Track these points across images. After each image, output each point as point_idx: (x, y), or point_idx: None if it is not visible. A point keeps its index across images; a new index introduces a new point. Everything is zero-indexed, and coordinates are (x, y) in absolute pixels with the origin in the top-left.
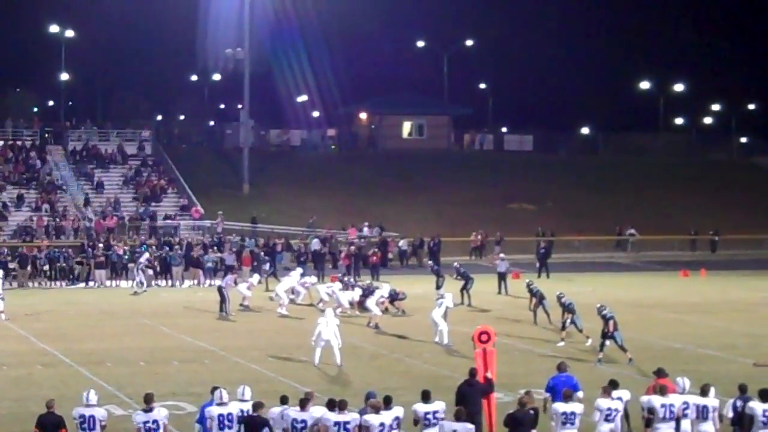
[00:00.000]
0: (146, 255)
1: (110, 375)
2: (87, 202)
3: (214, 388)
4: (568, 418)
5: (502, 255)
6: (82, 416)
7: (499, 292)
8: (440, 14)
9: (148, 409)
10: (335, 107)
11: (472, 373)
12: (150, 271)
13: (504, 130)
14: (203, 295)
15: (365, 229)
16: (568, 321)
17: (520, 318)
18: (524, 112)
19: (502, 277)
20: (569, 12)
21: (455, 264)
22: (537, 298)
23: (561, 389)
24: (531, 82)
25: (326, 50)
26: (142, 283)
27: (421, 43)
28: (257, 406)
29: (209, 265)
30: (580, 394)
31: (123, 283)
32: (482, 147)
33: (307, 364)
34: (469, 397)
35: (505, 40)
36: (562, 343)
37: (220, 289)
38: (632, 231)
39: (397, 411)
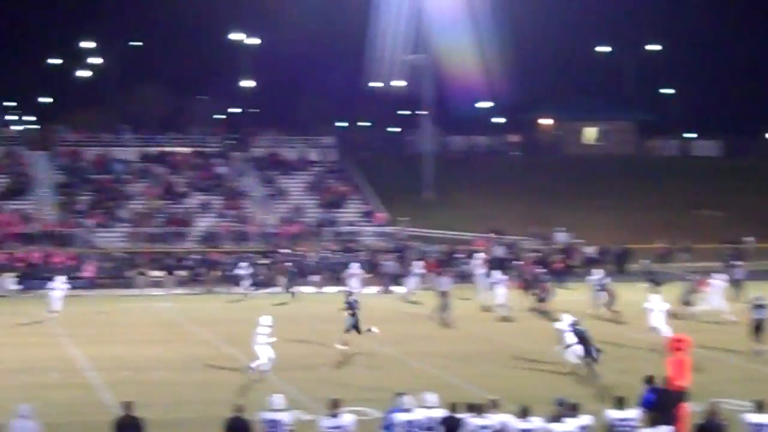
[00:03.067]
0: (244, 263)
1: (296, 379)
2: (270, 208)
3: (399, 395)
4: (622, 426)
5: (740, 262)
6: (269, 420)
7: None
8: (624, 19)
9: (335, 415)
10: (518, 113)
11: (666, 381)
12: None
13: (690, 135)
14: (385, 301)
15: (560, 235)
16: None
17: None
18: (711, 117)
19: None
20: (758, 14)
21: (645, 261)
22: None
23: None
24: (718, 86)
25: (508, 56)
26: (248, 290)
27: (604, 48)
28: (453, 407)
29: (390, 271)
30: None
31: (304, 288)
32: (667, 153)
33: (491, 370)
34: (663, 406)
35: (691, 43)
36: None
37: (443, 293)
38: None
39: (584, 419)
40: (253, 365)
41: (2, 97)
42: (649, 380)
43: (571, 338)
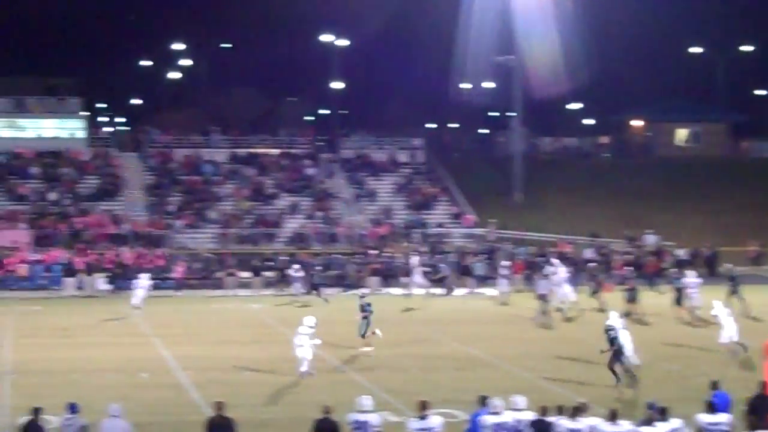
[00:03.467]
0: (297, 266)
1: (384, 381)
2: (359, 210)
3: (483, 398)
4: (713, 430)
5: None
6: (357, 422)
7: None
8: (716, 19)
9: (423, 417)
10: (608, 114)
11: (763, 386)
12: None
13: None
14: (475, 303)
15: (650, 237)
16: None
17: None
18: None
19: None
20: None
21: (728, 265)
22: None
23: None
24: None
25: (599, 57)
26: (298, 294)
27: (696, 49)
28: (543, 411)
29: (479, 273)
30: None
31: (394, 290)
32: (760, 154)
33: (580, 372)
34: (760, 411)
35: None
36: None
37: (542, 296)
38: None
39: (674, 423)
40: (303, 369)
41: (94, 98)
42: (714, 385)
43: (624, 336)
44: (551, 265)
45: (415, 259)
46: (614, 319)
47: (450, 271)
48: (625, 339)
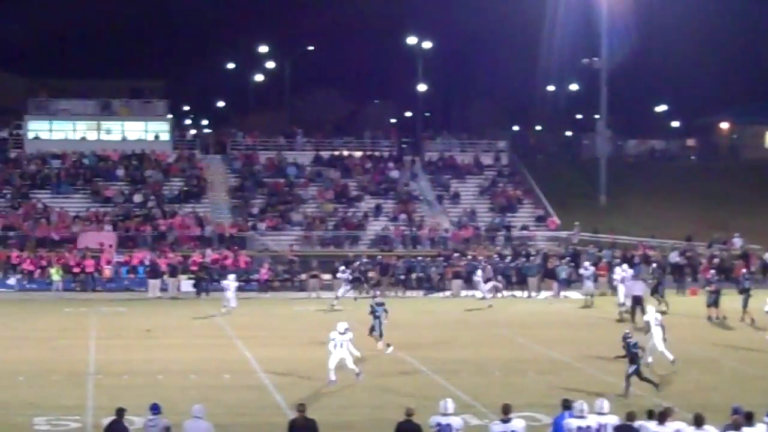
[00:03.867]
0: (343, 267)
1: (466, 384)
2: (443, 212)
3: (567, 401)
4: None
5: None
6: (439, 425)
7: None
8: None
9: (506, 420)
10: (695, 117)
11: None
12: (347, 286)
13: None
14: (559, 306)
15: (736, 241)
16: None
17: None
18: None
19: None
20: None
21: None
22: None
23: None
24: None
25: (685, 58)
26: (337, 298)
27: None
28: (630, 416)
29: (563, 276)
30: None
31: (477, 293)
32: None
33: (665, 376)
34: None
35: None
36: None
37: (635, 298)
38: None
39: (760, 428)
40: (332, 378)
41: (178, 101)
42: None
43: (657, 332)
44: (633, 266)
45: (479, 272)
46: (650, 315)
47: (494, 274)
48: (657, 336)
